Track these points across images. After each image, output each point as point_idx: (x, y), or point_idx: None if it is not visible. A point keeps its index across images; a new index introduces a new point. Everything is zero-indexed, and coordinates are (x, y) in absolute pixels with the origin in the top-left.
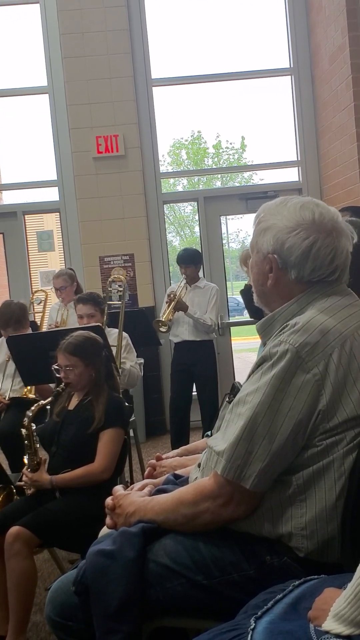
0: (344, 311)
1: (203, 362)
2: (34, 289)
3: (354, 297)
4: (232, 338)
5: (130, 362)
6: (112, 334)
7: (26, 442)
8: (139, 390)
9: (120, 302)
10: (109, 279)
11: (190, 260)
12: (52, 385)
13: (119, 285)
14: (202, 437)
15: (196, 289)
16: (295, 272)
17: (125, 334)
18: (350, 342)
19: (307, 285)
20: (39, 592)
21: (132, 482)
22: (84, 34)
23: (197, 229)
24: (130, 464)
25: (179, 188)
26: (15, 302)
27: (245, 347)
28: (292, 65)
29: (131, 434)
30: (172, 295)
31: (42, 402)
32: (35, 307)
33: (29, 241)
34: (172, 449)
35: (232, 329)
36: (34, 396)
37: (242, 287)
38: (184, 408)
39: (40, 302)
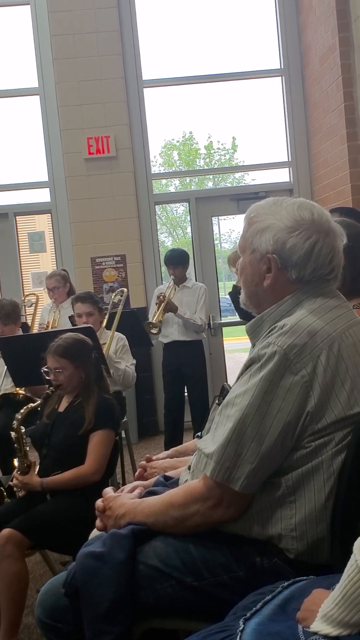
0: (332, 313)
1: (193, 362)
2: (25, 290)
3: (341, 299)
4: (224, 338)
5: (126, 362)
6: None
7: (16, 445)
8: (131, 391)
9: (109, 304)
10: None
11: (178, 261)
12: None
13: (119, 290)
14: (194, 438)
15: (184, 289)
16: (296, 272)
17: (122, 336)
18: (338, 343)
19: (304, 284)
20: (31, 594)
21: (124, 483)
22: (74, 35)
23: (189, 229)
24: (123, 465)
25: (171, 189)
26: (8, 299)
27: (237, 348)
28: (282, 66)
29: (123, 435)
30: (161, 297)
31: (32, 404)
32: (26, 309)
33: (20, 242)
34: (166, 450)
35: (225, 329)
36: (23, 393)
37: (231, 289)
38: (178, 409)
39: (32, 305)
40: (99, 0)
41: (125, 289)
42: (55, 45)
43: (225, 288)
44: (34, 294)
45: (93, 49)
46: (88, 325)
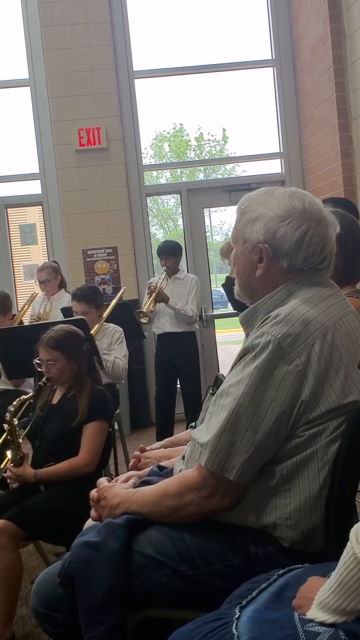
0: (326, 302)
1: (185, 353)
2: (17, 283)
3: (335, 288)
4: (216, 330)
5: (117, 353)
6: (109, 328)
7: (9, 436)
8: (123, 383)
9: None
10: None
11: (170, 252)
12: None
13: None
14: (186, 429)
15: (176, 281)
16: (287, 262)
17: (119, 328)
18: (332, 332)
19: (297, 274)
20: (25, 585)
21: (117, 475)
22: (65, 26)
23: (180, 221)
24: (115, 457)
25: (162, 181)
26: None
27: (229, 340)
28: (274, 57)
29: (116, 426)
30: (152, 286)
31: (24, 397)
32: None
33: (11, 234)
34: (157, 442)
35: (217, 321)
36: None
37: (224, 280)
38: (169, 401)
39: (29, 301)
40: None
41: (125, 287)
42: (45, 36)
43: (217, 280)
44: (35, 293)
45: (83, 40)
46: (80, 317)
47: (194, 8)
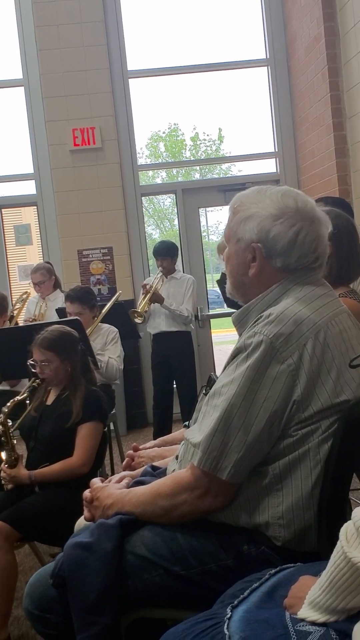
0: (318, 301)
1: (180, 353)
2: (12, 283)
3: (327, 287)
4: (212, 330)
5: (111, 354)
6: (103, 328)
7: (3, 438)
8: (119, 384)
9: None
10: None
11: (167, 253)
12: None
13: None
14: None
15: (172, 280)
16: (281, 261)
17: (114, 329)
18: (324, 332)
19: (290, 273)
20: (20, 586)
21: (112, 475)
22: (59, 26)
23: (176, 221)
24: (111, 457)
25: (158, 181)
26: None
27: (225, 339)
28: (268, 56)
29: (111, 427)
30: (147, 287)
31: (18, 397)
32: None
33: (6, 235)
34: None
35: (213, 321)
36: None
37: (219, 278)
38: (166, 400)
39: (22, 300)
40: None
41: (120, 291)
42: (39, 36)
43: (213, 280)
44: (27, 292)
45: (77, 39)
46: (75, 318)
47: (188, 7)
